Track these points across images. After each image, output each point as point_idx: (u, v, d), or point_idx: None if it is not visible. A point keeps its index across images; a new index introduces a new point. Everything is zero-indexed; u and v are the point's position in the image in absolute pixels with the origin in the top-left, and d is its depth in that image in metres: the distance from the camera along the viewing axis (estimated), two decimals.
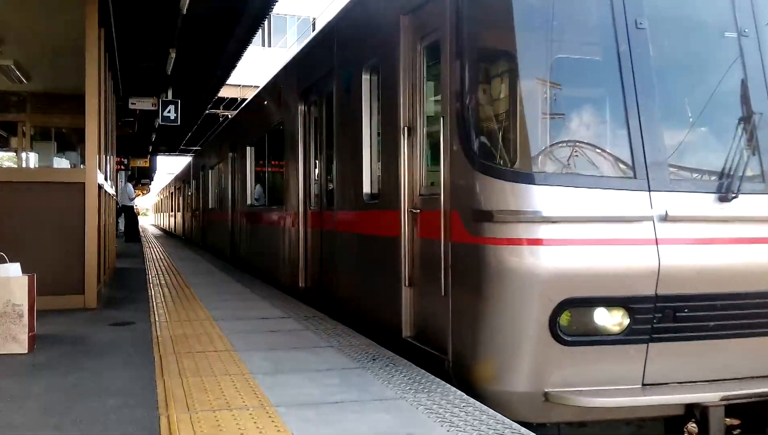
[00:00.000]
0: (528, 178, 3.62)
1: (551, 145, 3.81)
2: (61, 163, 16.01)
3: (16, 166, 14.32)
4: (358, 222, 5.65)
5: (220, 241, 14.52)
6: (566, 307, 3.52)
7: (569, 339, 3.55)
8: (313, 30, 26.86)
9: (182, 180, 25.88)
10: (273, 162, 10.42)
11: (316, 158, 7.41)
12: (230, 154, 13.18)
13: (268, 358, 4.38)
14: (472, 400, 3.45)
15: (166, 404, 3.32)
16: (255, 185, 11.58)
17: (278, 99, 8.77)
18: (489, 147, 3.94)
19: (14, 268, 4.63)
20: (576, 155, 3.81)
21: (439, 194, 4.13)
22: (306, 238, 7.46)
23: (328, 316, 6.02)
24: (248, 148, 11.39)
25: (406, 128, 4.65)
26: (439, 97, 4.45)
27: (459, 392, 3.58)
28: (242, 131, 12.11)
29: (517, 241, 3.53)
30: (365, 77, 5.51)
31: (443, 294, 4.04)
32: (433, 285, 4.20)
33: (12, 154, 15.41)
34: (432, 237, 4.25)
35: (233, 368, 4.09)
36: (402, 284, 4.65)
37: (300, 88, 7.62)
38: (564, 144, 3.86)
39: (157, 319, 5.88)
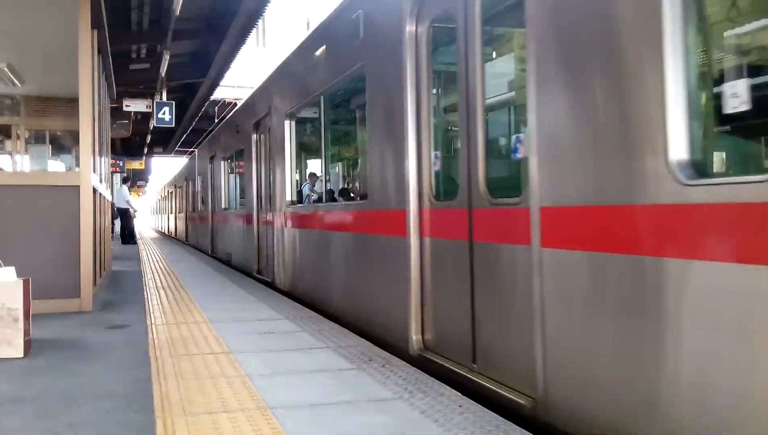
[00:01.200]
0: None
1: None
2: (56, 165, 16.01)
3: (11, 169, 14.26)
4: (663, 230, 2.54)
5: (240, 252, 11.62)
6: None
7: None
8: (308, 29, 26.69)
9: (184, 177, 23.15)
10: (334, 136, 7.62)
11: (438, 116, 4.68)
12: (254, 137, 10.17)
13: (264, 359, 4.38)
14: (467, 399, 3.45)
15: (162, 407, 3.32)
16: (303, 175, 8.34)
17: (355, 32, 5.65)
18: None
19: (9, 272, 4.62)
20: None
21: None
22: (424, 257, 4.54)
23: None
24: (287, 123, 8.18)
25: None
26: None
27: (455, 392, 3.58)
28: (275, 101, 8.80)
29: None
30: None
31: None
32: None
33: (6, 157, 15.35)
34: None
35: (229, 370, 4.09)
36: None
37: None
38: None
39: (153, 322, 5.88)
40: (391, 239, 4.95)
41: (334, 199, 7.41)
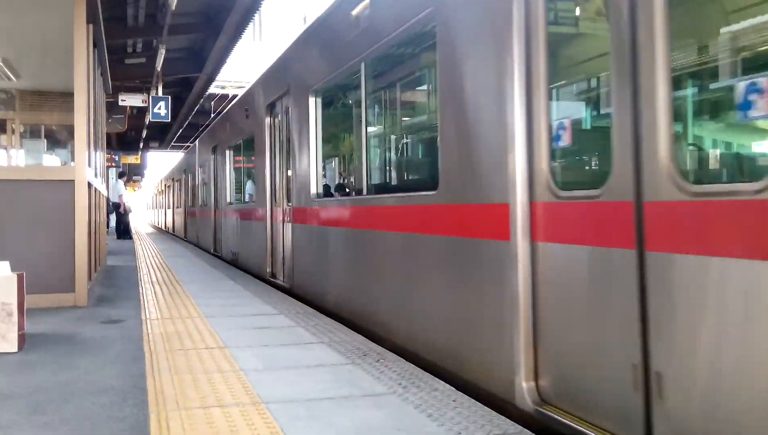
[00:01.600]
0: None
1: None
2: (51, 160, 15.97)
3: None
4: None
5: (248, 251, 10.31)
6: None
7: None
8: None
9: (183, 170, 21.88)
10: (380, 113, 6.19)
11: (560, 72, 3.64)
12: (267, 121, 8.90)
13: (259, 354, 4.39)
14: (460, 393, 3.46)
15: (157, 402, 3.32)
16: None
17: None
18: None
19: (3, 267, 4.62)
20: None
21: None
22: (538, 271, 3.26)
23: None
24: (312, 101, 6.87)
25: None
26: None
27: (448, 386, 3.59)
28: (297, 76, 7.47)
29: None
30: None
31: None
32: None
33: (1, 151, 15.31)
34: None
35: (224, 365, 4.10)
36: None
37: None
38: None
39: (147, 317, 5.88)
40: (481, 244, 3.59)
41: (385, 190, 5.72)
